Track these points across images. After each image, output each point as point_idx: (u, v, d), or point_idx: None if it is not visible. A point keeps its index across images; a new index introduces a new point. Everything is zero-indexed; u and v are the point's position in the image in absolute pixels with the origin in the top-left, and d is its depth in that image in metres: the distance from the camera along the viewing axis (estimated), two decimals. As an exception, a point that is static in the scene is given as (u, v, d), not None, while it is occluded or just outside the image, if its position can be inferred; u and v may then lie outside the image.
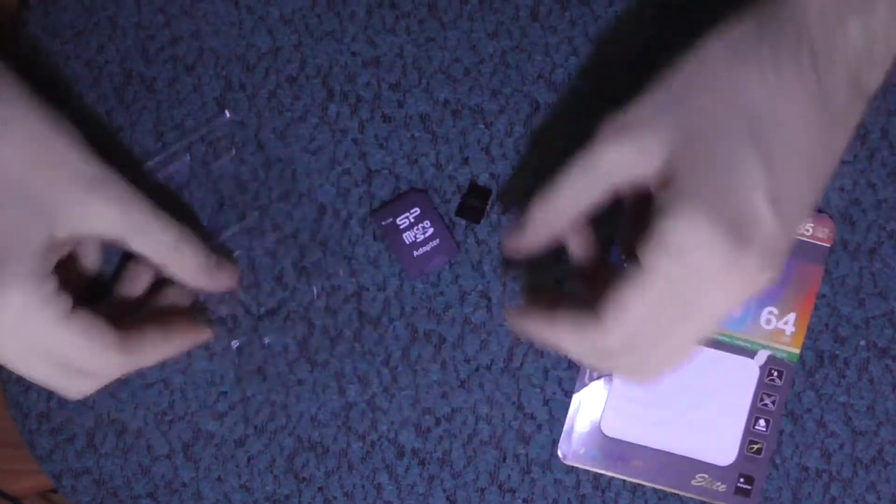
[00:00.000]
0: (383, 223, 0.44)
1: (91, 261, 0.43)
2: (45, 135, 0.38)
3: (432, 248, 0.44)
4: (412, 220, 0.44)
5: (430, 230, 0.44)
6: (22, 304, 0.36)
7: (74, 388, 0.40)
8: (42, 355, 0.38)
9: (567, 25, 0.45)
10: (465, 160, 0.45)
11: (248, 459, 0.45)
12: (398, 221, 0.44)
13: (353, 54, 0.45)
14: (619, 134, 0.35)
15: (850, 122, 0.35)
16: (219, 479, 0.45)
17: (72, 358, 0.38)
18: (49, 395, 0.45)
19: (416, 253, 0.44)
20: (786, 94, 0.33)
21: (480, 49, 0.45)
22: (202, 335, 0.44)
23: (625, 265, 0.41)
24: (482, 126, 0.45)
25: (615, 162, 0.35)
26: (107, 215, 0.38)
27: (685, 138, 0.34)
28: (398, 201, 0.44)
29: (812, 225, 0.45)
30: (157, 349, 0.41)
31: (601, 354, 0.36)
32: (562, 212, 0.37)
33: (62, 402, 0.45)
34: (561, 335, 0.36)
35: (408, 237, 0.44)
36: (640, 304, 0.33)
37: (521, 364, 0.45)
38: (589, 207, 0.37)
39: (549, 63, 0.45)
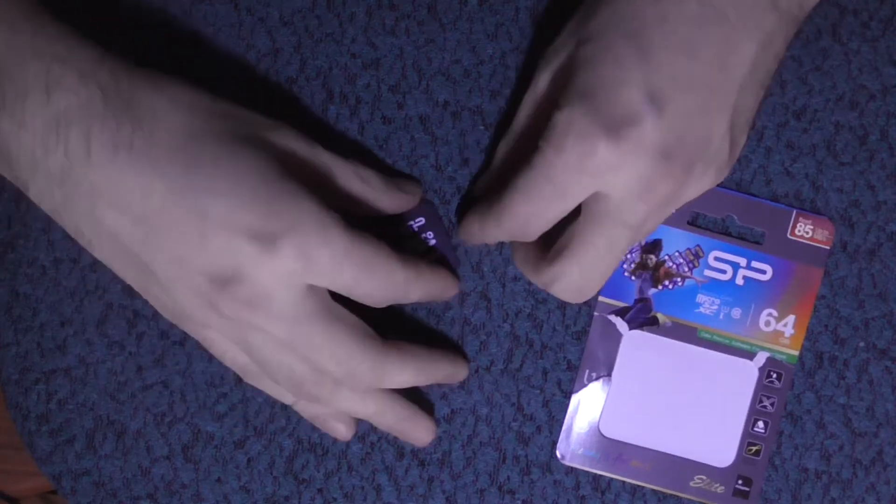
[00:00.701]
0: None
1: None
2: (199, 94, 0.37)
3: (433, 261, 0.43)
4: (415, 230, 0.44)
5: (433, 241, 0.44)
6: (329, 228, 0.35)
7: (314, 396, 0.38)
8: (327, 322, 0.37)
9: (566, 27, 0.45)
10: (465, 161, 0.45)
11: (248, 461, 0.45)
12: (400, 228, 0.44)
13: (353, 56, 0.45)
14: (546, 56, 0.39)
15: (758, 27, 0.35)
16: (218, 480, 0.45)
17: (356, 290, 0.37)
18: (49, 396, 0.45)
19: None
20: None
21: (480, 50, 0.45)
22: (459, 372, 0.43)
23: None
24: (482, 127, 0.45)
25: (547, 81, 0.39)
26: (299, 141, 0.38)
27: (581, 43, 0.36)
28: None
29: (812, 227, 0.45)
30: (411, 367, 0.39)
31: (519, 256, 0.41)
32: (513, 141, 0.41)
33: (62, 404, 0.45)
34: (481, 227, 0.40)
35: (409, 248, 0.44)
36: (522, 182, 0.36)
37: (521, 365, 0.45)
38: None
39: (549, 64, 0.45)
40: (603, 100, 0.34)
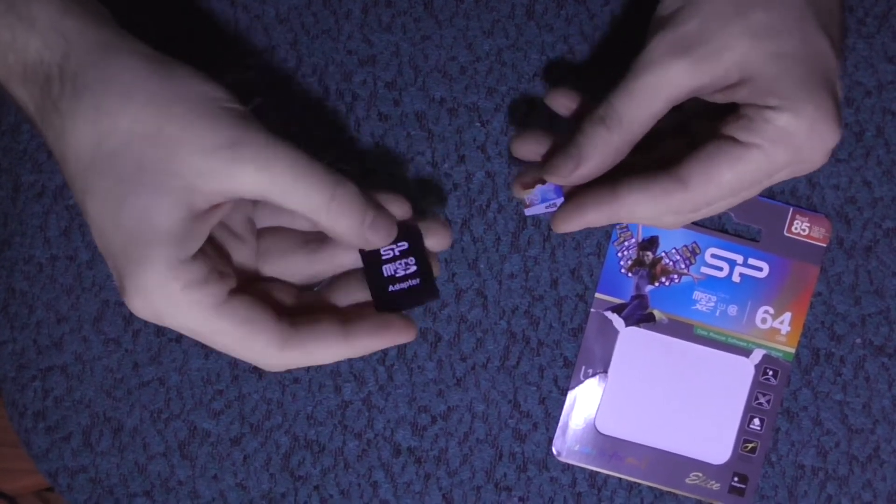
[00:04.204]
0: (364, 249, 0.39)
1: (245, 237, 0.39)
2: (164, 103, 0.34)
3: (410, 287, 0.38)
4: (396, 254, 0.39)
5: (413, 268, 0.39)
6: (163, 294, 0.33)
7: (263, 363, 0.37)
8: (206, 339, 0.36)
9: (563, 24, 0.45)
10: (461, 158, 0.45)
11: (245, 458, 0.45)
12: (382, 251, 0.39)
13: (349, 52, 0.45)
14: (683, 52, 0.36)
15: None
16: (215, 477, 0.45)
17: (229, 349, 0.35)
18: (45, 393, 0.45)
19: (391, 288, 0.38)
20: None
21: (476, 47, 0.45)
22: (400, 335, 0.38)
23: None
24: (478, 124, 0.45)
25: (681, 80, 0.36)
26: (244, 177, 0.34)
27: (751, 40, 0.36)
28: None
29: (808, 225, 0.45)
30: (329, 349, 0.36)
31: (677, 216, 0.39)
32: (629, 142, 0.38)
33: (58, 401, 0.45)
34: (635, 204, 0.38)
35: (387, 270, 0.39)
36: (731, 176, 0.37)
37: (517, 363, 0.45)
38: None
39: (545, 61, 0.45)
40: (828, 97, 0.36)
